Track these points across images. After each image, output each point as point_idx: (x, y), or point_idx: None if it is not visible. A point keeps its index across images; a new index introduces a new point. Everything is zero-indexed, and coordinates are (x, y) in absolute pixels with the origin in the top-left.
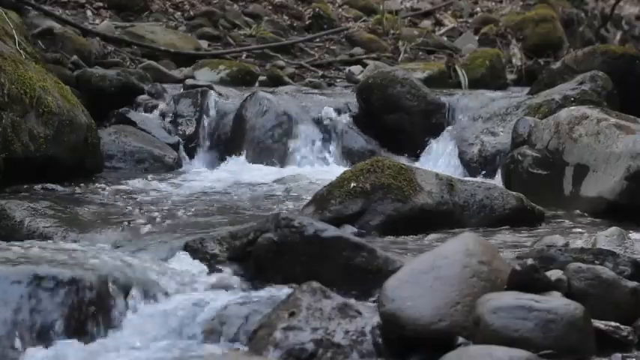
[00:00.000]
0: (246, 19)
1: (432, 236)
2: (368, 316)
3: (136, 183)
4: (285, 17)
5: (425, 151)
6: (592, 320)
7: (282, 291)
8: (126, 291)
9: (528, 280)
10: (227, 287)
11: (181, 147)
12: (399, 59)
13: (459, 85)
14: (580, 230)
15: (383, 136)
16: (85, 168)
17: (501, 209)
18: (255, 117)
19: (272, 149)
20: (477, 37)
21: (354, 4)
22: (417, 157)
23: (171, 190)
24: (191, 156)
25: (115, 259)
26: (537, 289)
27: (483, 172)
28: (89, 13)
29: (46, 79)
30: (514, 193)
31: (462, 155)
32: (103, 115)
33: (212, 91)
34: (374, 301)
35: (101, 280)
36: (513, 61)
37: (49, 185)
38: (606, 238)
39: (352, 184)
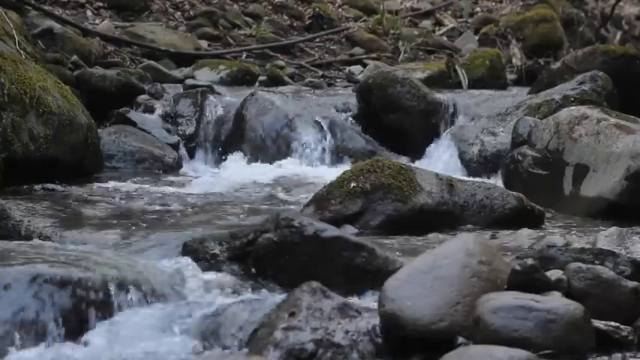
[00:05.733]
0: (246, 19)
1: (432, 236)
2: (368, 316)
3: (136, 183)
4: (285, 17)
5: (425, 151)
6: (592, 320)
7: (282, 291)
8: (125, 291)
9: (528, 280)
10: (227, 287)
11: (181, 147)
12: (399, 59)
13: (459, 85)
14: (580, 230)
15: (383, 136)
16: (85, 168)
17: (501, 209)
18: (255, 117)
19: (272, 149)
20: (477, 37)
21: (354, 4)
22: (417, 157)
23: (171, 190)
24: (191, 156)
25: (115, 259)
26: (537, 289)
27: (483, 172)
28: (89, 13)
29: (46, 79)
30: (514, 193)
31: (462, 155)
32: (103, 115)
33: (212, 91)
34: (374, 301)
35: (100, 280)
36: (513, 61)
37: (49, 185)
38: (606, 238)
39: (352, 184)
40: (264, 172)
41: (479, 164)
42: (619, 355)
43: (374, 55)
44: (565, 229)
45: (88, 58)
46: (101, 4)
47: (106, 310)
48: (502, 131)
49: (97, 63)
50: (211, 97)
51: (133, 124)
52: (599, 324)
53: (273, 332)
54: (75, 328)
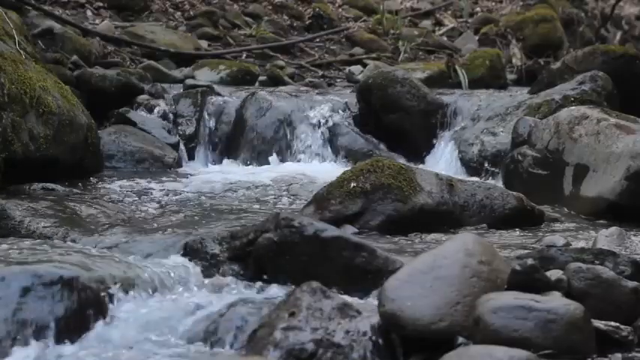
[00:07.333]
0: (246, 19)
1: (432, 236)
2: (368, 316)
3: (136, 183)
4: (285, 17)
5: (425, 151)
6: (592, 320)
7: (282, 291)
8: (125, 291)
9: (528, 280)
10: (227, 287)
11: (181, 147)
12: (399, 59)
13: (459, 85)
14: (580, 230)
15: (383, 136)
16: (85, 168)
17: (501, 209)
18: (255, 117)
19: (272, 149)
20: (477, 37)
21: (354, 4)
22: (416, 157)
23: (171, 190)
24: (191, 156)
25: (115, 259)
26: (537, 289)
27: (483, 173)
28: (89, 13)
29: (46, 79)
30: (514, 193)
31: (462, 155)
32: (103, 115)
33: (212, 91)
34: (374, 301)
35: (100, 280)
36: (513, 61)
37: (49, 185)
38: (606, 238)
39: (352, 184)
40: (264, 172)
41: (479, 164)
42: (619, 355)
43: (374, 55)
44: (565, 229)
45: (88, 58)
46: (101, 4)
47: (105, 309)
48: (502, 131)
49: (97, 63)
50: (211, 97)
51: (133, 124)
52: (599, 324)
53: (273, 332)
54: (74, 327)
